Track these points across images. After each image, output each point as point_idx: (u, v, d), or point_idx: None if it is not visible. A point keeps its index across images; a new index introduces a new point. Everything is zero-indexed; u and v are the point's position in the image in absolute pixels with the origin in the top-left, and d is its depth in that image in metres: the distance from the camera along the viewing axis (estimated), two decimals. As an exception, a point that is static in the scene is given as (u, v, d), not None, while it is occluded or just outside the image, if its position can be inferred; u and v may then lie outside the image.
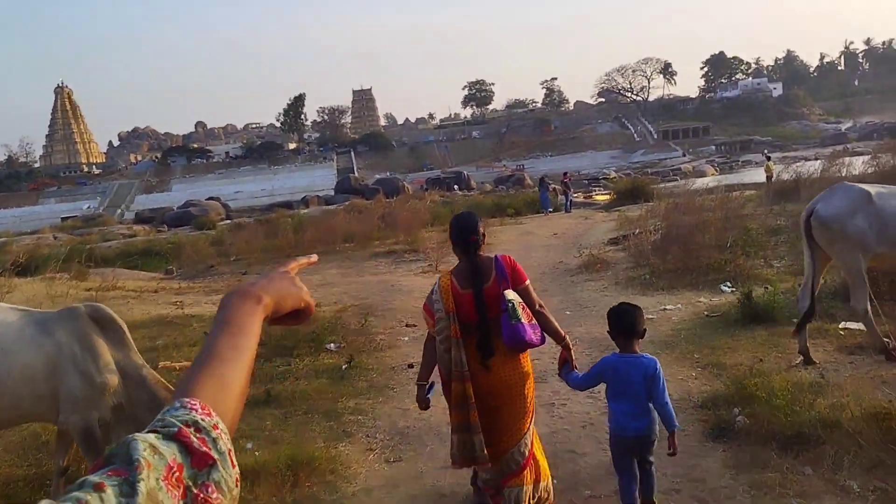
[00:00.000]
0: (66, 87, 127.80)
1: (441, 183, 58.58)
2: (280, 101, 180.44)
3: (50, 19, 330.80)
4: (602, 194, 34.90)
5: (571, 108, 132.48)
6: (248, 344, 0.92)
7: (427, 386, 3.72)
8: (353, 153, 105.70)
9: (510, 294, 3.44)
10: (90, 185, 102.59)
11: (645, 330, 3.56)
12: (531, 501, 3.52)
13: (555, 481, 3.84)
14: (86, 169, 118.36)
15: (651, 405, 3.40)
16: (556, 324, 3.60)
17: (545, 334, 3.55)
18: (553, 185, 28.85)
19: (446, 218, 24.26)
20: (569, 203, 26.67)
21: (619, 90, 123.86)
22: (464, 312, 3.50)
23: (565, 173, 30.34)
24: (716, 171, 59.32)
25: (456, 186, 55.99)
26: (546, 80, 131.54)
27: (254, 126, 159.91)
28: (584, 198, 33.18)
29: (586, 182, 50.86)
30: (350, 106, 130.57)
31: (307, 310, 1.09)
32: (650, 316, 7.94)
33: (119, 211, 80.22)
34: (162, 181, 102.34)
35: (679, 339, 6.90)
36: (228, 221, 39.17)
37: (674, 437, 3.36)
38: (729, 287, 8.94)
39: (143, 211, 63.07)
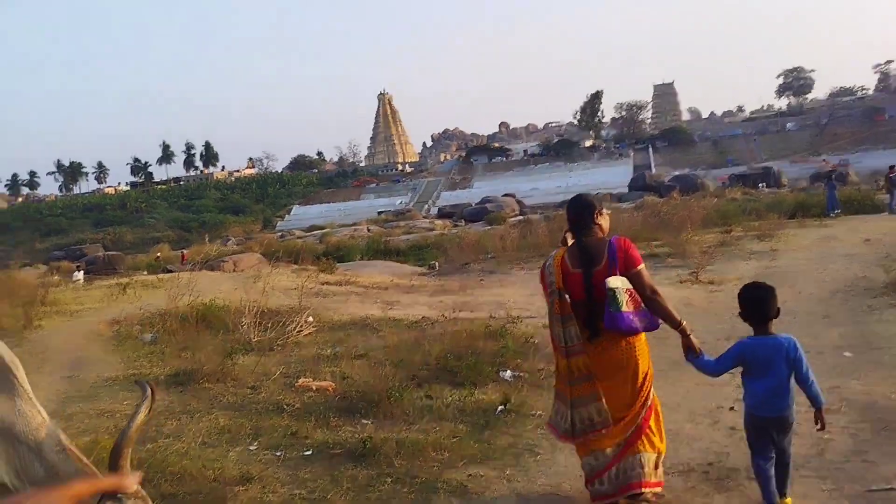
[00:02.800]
0: (388, 93, 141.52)
1: (746, 179, 53.96)
2: (580, 98, 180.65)
3: (377, 33, 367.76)
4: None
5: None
6: None
7: None
8: (650, 149, 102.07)
9: (613, 282, 3.42)
10: (403, 183, 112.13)
11: (779, 310, 3.46)
12: (649, 469, 3.51)
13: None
14: (401, 168, 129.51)
15: (791, 385, 3.39)
16: (671, 308, 3.53)
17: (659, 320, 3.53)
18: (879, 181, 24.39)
19: (733, 217, 21.50)
20: (894, 202, 22.36)
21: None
22: (573, 291, 3.56)
23: (892, 167, 25.49)
24: None
25: (762, 184, 50.73)
26: (880, 64, 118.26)
27: (553, 124, 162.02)
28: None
29: (926, 178, 42.70)
30: (650, 101, 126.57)
31: None
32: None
33: (426, 206, 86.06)
34: (465, 179, 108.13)
35: None
36: (520, 217, 39.61)
37: (821, 412, 3.42)
38: None
39: (445, 206, 67.06)
